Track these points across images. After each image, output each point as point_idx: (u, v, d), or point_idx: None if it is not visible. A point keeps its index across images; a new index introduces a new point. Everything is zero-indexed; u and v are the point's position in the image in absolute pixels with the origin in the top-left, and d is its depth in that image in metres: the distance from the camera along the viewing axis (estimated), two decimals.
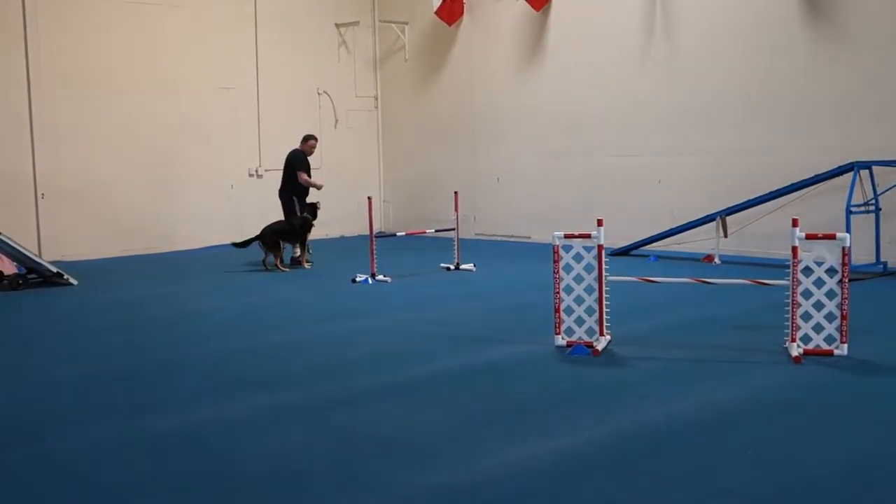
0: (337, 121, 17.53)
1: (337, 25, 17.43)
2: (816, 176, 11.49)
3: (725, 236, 12.27)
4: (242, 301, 10.22)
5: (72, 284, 11.35)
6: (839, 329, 6.87)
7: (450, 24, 16.65)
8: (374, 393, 6.16)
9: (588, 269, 7.28)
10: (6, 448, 5.15)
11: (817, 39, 12.16)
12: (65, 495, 4.46)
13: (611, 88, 14.43)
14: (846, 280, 6.80)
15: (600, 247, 7.21)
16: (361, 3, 17.77)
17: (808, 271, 6.94)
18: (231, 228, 15.94)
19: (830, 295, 6.88)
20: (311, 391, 6.24)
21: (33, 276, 11.47)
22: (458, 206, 12.58)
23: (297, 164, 12.95)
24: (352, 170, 17.61)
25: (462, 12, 16.61)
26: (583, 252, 7.30)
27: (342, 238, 17.07)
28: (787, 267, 6.98)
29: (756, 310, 8.70)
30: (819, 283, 6.91)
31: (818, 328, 6.96)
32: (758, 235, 12.45)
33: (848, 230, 10.17)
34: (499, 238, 16.23)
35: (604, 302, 7.25)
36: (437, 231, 13.30)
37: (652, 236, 13.21)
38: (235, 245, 12.92)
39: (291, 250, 12.90)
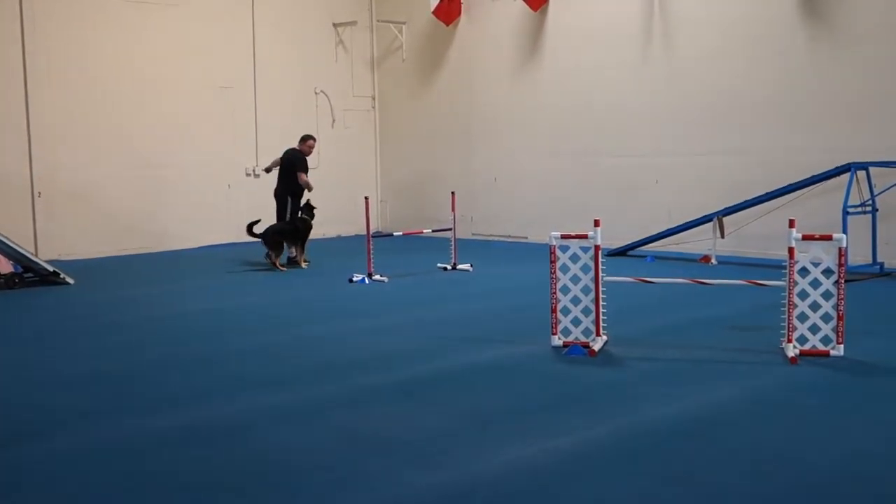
0: (334, 120, 17.52)
1: (334, 25, 17.43)
2: (813, 177, 11.50)
3: (722, 237, 12.28)
4: (240, 301, 10.21)
5: (68, 284, 11.34)
6: (835, 330, 6.88)
7: (447, 24, 16.66)
8: (372, 393, 6.16)
9: (585, 269, 7.28)
10: (4, 446, 5.14)
11: (815, 41, 12.17)
12: (64, 494, 4.45)
13: (608, 89, 14.44)
14: (842, 281, 6.81)
15: (597, 247, 7.22)
16: (359, 2, 17.77)
17: (804, 272, 6.94)
18: (228, 228, 15.96)
19: (827, 296, 6.89)
20: (310, 391, 6.24)
21: (30, 275, 11.45)
22: (456, 206, 12.59)
23: (298, 164, 12.93)
24: (349, 170, 17.60)
25: (460, 12, 16.61)
26: (580, 252, 7.30)
27: (339, 238, 17.07)
28: (784, 268, 6.99)
29: (752, 310, 8.71)
30: (815, 283, 6.92)
31: (814, 329, 6.96)
32: (754, 236, 12.46)
33: (844, 231, 10.18)
34: (496, 238, 16.24)
35: (600, 302, 7.26)
36: (434, 231, 13.30)
37: (649, 237, 13.22)
38: (250, 229, 12.58)
39: (288, 250, 12.88)
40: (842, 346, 6.88)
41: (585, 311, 7.32)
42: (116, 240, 14.71)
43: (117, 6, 14.63)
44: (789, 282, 6.91)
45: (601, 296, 7.26)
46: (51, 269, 11.34)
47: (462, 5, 16.56)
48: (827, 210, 11.39)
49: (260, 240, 12.51)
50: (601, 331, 7.32)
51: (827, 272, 6.87)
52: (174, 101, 15.30)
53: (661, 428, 5.29)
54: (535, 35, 15.49)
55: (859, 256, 11.18)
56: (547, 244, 7.41)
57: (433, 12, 16.49)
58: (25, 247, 11.79)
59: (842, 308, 6.82)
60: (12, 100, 13.75)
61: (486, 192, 16.45)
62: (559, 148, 15.25)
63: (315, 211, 12.86)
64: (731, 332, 7.93)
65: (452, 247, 12.36)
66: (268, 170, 13.82)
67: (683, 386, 6.21)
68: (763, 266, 11.51)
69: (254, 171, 16.22)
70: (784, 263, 7.00)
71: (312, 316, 9.18)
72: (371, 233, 11.69)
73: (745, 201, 12.18)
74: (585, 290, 7.30)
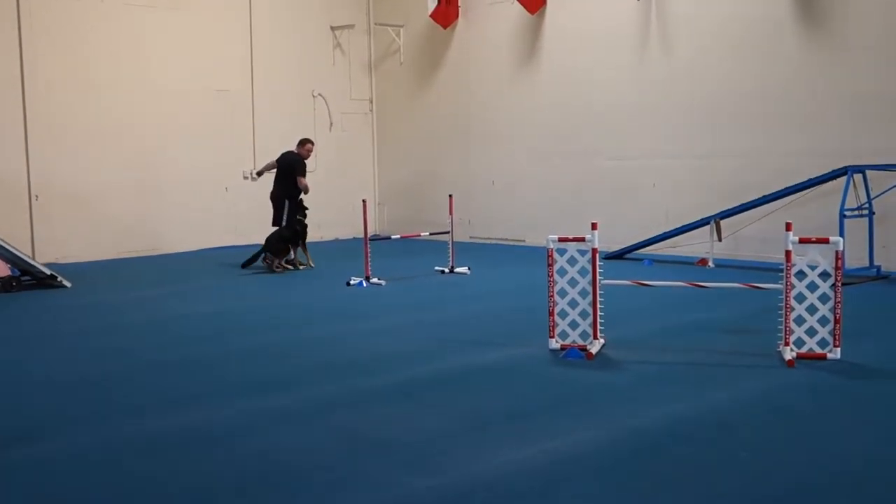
0: (332, 124, 17.53)
1: (332, 28, 17.44)
2: (810, 180, 11.52)
3: (720, 240, 12.29)
4: (237, 304, 10.21)
5: (65, 287, 11.33)
6: (832, 333, 6.89)
7: (445, 27, 16.68)
8: (371, 394, 6.16)
9: (582, 272, 7.29)
10: (1, 449, 5.14)
11: (812, 44, 12.19)
12: (61, 497, 4.45)
13: (606, 91, 14.46)
14: (839, 284, 6.82)
15: (594, 250, 7.23)
16: (356, 6, 17.79)
17: (801, 275, 6.95)
18: (226, 231, 16.00)
19: (824, 299, 6.90)
20: (308, 393, 6.24)
21: (27, 278, 11.45)
22: (453, 209, 12.59)
23: (298, 168, 12.92)
24: (346, 173, 17.61)
25: (457, 15, 16.63)
26: (577, 255, 7.31)
27: (337, 241, 17.07)
28: (781, 270, 7.00)
29: (750, 313, 8.72)
30: (812, 287, 6.93)
31: (811, 332, 6.97)
32: (752, 239, 12.49)
33: (841, 234, 10.20)
34: (493, 241, 16.25)
35: (598, 305, 7.27)
36: (431, 234, 13.33)
37: (646, 240, 13.23)
38: (245, 266, 12.86)
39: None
40: (839, 349, 6.89)
41: (583, 314, 7.33)
42: (114, 243, 14.71)
43: (114, 9, 14.64)
44: (786, 285, 6.92)
45: (598, 299, 7.27)
46: (48, 272, 11.34)
47: (459, 8, 16.58)
48: (824, 213, 11.42)
49: (265, 254, 12.55)
50: (598, 334, 7.32)
51: (824, 275, 6.88)
52: (172, 104, 15.31)
53: (659, 431, 5.29)
54: (533, 38, 15.51)
55: (856, 259, 11.20)
56: (544, 247, 7.42)
57: (430, 15, 16.51)
58: (23, 250, 11.80)
59: (839, 311, 6.83)
60: (10, 103, 13.75)
61: (484, 195, 16.46)
62: (556, 151, 15.27)
63: (307, 211, 12.90)
64: (729, 336, 7.94)
65: (450, 250, 12.37)
66: (260, 173, 13.81)
67: (680, 389, 6.21)
68: (760, 269, 11.52)
69: (251, 174, 16.18)
70: (781, 266, 7.01)
71: (311, 318, 9.19)
72: (369, 236, 11.69)
73: (743, 204, 12.19)
74: (583, 293, 7.30)
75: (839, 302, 6.82)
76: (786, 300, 6.92)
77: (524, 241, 15.73)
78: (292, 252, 12.86)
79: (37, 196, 14.05)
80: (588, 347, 7.21)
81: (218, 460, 4.91)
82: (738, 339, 7.79)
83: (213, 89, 15.83)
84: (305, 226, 12.85)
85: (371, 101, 18.23)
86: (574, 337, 7.36)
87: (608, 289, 7.50)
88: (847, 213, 10.84)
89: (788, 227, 6.93)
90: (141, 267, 13.72)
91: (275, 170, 13.30)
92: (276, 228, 12.84)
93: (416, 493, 4.40)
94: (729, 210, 12.31)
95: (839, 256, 6.82)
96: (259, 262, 12.85)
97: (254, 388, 6.37)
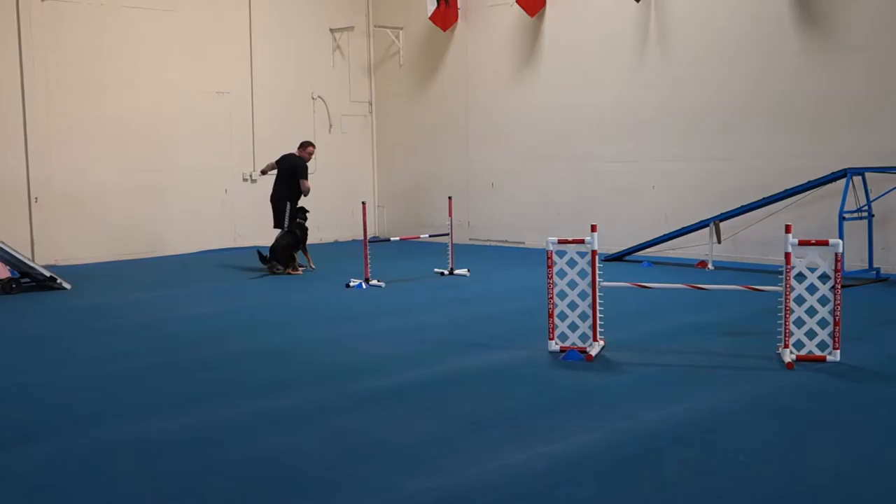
0: (331, 125, 17.53)
1: (331, 30, 17.44)
2: (810, 182, 11.53)
3: (719, 242, 12.29)
4: (236, 306, 10.21)
5: (65, 289, 11.33)
6: (832, 335, 6.89)
7: (444, 29, 16.68)
8: (369, 397, 6.16)
9: (582, 274, 7.29)
10: (1, 450, 5.14)
11: (812, 46, 12.20)
12: (61, 498, 4.45)
13: (605, 94, 14.46)
14: (839, 286, 6.83)
15: (594, 252, 7.23)
16: (356, 8, 17.80)
17: (801, 277, 6.96)
18: (225, 233, 15.99)
19: (823, 301, 6.90)
20: (306, 395, 6.24)
21: (26, 280, 11.44)
22: (453, 211, 12.59)
23: (300, 171, 12.92)
24: (346, 175, 17.61)
25: (456, 18, 16.63)
26: (577, 257, 7.31)
27: (336, 243, 17.07)
28: (781, 273, 7.00)
29: (749, 316, 8.72)
30: (812, 289, 6.93)
31: (811, 334, 6.97)
32: (751, 241, 12.49)
33: (841, 236, 10.22)
34: (493, 243, 16.25)
35: (597, 307, 7.27)
36: (431, 236, 13.33)
37: (646, 242, 13.23)
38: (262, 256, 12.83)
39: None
40: (838, 351, 6.89)
41: (582, 316, 7.33)
42: (113, 245, 14.71)
43: (114, 12, 14.63)
44: (786, 287, 6.92)
45: (598, 301, 7.27)
46: (48, 274, 11.33)
47: (459, 11, 16.58)
48: (823, 215, 11.43)
49: (269, 263, 12.55)
50: (598, 336, 7.32)
51: (823, 277, 6.89)
52: (172, 106, 15.30)
53: (658, 433, 5.29)
54: (532, 40, 15.51)
55: (856, 262, 11.22)
56: (544, 249, 7.42)
57: (430, 18, 16.51)
58: (22, 252, 11.78)
59: (838, 313, 6.83)
60: (9, 105, 13.74)
61: (484, 197, 16.46)
62: (556, 153, 15.26)
63: (308, 214, 12.90)
64: (728, 338, 7.94)
65: (449, 252, 12.37)
66: (263, 172, 13.82)
67: (680, 391, 6.21)
68: (760, 271, 11.52)
69: (251, 176, 16.20)
70: (781, 269, 7.01)
71: (309, 321, 9.18)
72: (368, 238, 11.69)
73: (742, 207, 12.19)
74: (582, 295, 7.30)
75: (839, 304, 6.82)
76: (785, 302, 6.92)
77: (524, 243, 15.73)
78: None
79: (36, 198, 14.04)
80: (588, 349, 7.21)
81: (217, 462, 4.90)
82: (737, 341, 7.79)
83: (212, 91, 15.83)
84: (306, 229, 12.85)
85: (370, 104, 18.23)
86: (574, 339, 7.36)
87: (608, 291, 7.50)
88: (846, 215, 10.85)
89: (788, 229, 6.93)
90: (140, 269, 13.72)
91: (275, 171, 13.29)
92: (278, 232, 12.85)
93: (415, 495, 4.40)
94: (728, 212, 12.31)
95: (839, 259, 6.82)
96: (259, 264, 12.83)
97: (253, 390, 6.37)
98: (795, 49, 12.33)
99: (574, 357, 7.12)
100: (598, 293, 7.26)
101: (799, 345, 7.00)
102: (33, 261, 12.02)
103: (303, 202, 13.05)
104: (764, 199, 11.95)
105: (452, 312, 9.52)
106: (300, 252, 12.89)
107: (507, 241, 16.11)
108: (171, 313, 9.73)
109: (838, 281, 6.82)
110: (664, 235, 13.06)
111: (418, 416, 5.73)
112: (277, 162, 13.29)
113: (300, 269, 12.66)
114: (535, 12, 15.26)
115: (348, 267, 12.52)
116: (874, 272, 11.15)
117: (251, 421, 5.63)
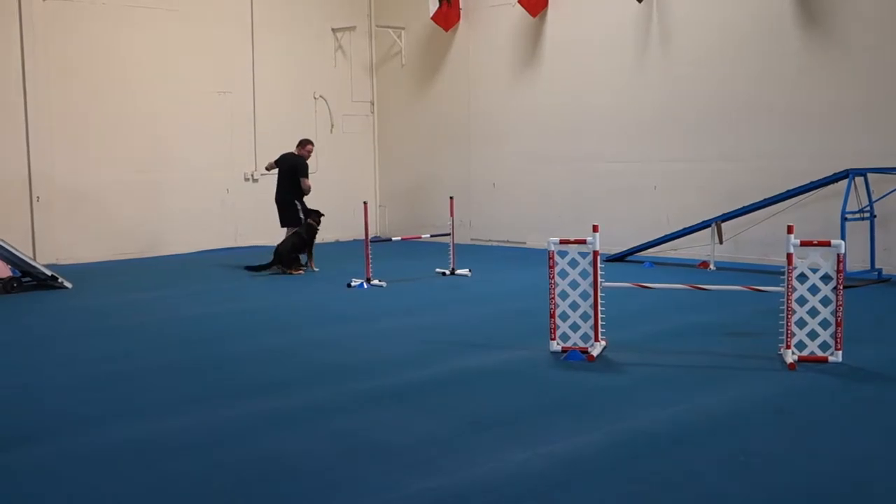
0: (333, 125, 17.52)
1: (333, 30, 17.44)
2: (812, 183, 11.51)
3: (721, 242, 12.28)
4: (237, 306, 10.20)
5: (66, 288, 11.33)
6: (834, 336, 6.88)
7: (446, 29, 16.67)
8: (370, 398, 6.15)
9: (583, 274, 7.28)
10: (1, 450, 5.13)
11: (813, 47, 12.18)
12: (61, 499, 4.44)
13: (607, 94, 14.45)
14: (841, 287, 6.81)
15: (595, 252, 7.22)
16: (358, 8, 17.79)
17: (803, 278, 6.94)
18: (226, 233, 16.00)
19: (825, 302, 6.89)
20: (307, 396, 6.23)
21: (28, 279, 11.44)
22: (454, 211, 12.58)
23: (301, 170, 12.92)
24: (348, 174, 17.60)
25: (458, 18, 16.62)
26: (578, 258, 7.30)
27: (337, 243, 17.06)
28: (782, 273, 6.99)
29: (751, 316, 8.70)
30: (814, 289, 6.92)
31: (813, 335, 6.96)
32: (753, 242, 12.47)
33: (843, 237, 10.20)
34: (494, 243, 16.24)
35: (599, 308, 7.26)
36: (432, 236, 13.33)
37: (647, 242, 13.22)
38: (250, 268, 12.79)
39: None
40: (840, 352, 6.87)
41: (584, 317, 7.32)
42: (115, 244, 14.71)
43: (115, 10, 14.64)
44: (788, 287, 6.90)
45: (600, 301, 7.26)
46: (49, 273, 11.33)
47: (461, 11, 16.57)
48: (825, 216, 11.41)
49: (271, 268, 12.53)
50: (600, 336, 7.31)
51: (825, 278, 6.87)
52: (173, 105, 15.30)
53: (659, 433, 5.28)
54: (534, 40, 15.50)
55: (858, 262, 11.19)
56: (545, 249, 7.41)
57: (432, 18, 16.51)
58: (24, 251, 11.79)
59: (840, 314, 6.82)
60: (11, 103, 13.76)
61: (485, 197, 16.45)
62: (558, 153, 15.25)
63: (322, 217, 12.83)
64: (730, 338, 7.93)
65: (451, 252, 12.36)
66: (268, 168, 13.79)
67: (681, 391, 6.20)
68: (761, 272, 11.50)
69: (252, 175, 16.21)
70: (782, 269, 7.00)
71: (310, 321, 9.18)
72: (369, 238, 11.69)
73: (744, 207, 12.18)
74: (584, 296, 7.29)
75: (840, 305, 6.81)
76: (787, 303, 6.90)
77: (525, 243, 15.72)
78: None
79: (38, 197, 14.05)
80: (589, 350, 7.20)
81: (216, 463, 4.90)
82: (739, 341, 7.78)
83: (214, 91, 15.83)
84: (316, 231, 12.80)
85: (372, 104, 18.22)
86: (575, 339, 7.35)
87: (609, 291, 7.49)
88: (848, 215, 10.83)
89: (790, 229, 6.91)
90: (142, 268, 13.72)
91: (276, 170, 13.29)
92: (285, 230, 12.83)
93: (414, 495, 4.39)
94: (730, 213, 12.29)
95: (840, 259, 6.81)
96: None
97: (254, 391, 6.36)
98: (797, 49, 12.31)
99: (576, 357, 7.11)
100: (599, 293, 7.25)
101: (801, 345, 6.98)
102: (35, 260, 12.03)
103: (310, 203, 13.02)
104: (766, 199, 11.94)
105: (454, 312, 9.51)
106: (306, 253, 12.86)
107: (508, 242, 16.10)
108: (172, 313, 9.72)
109: (840, 282, 6.80)
110: (666, 236, 13.05)
111: (418, 417, 5.72)
112: (277, 162, 13.29)
113: (302, 269, 12.65)
114: (538, 12, 15.25)
115: (349, 267, 12.52)
116: (876, 273, 11.13)
117: (251, 421, 5.63)
